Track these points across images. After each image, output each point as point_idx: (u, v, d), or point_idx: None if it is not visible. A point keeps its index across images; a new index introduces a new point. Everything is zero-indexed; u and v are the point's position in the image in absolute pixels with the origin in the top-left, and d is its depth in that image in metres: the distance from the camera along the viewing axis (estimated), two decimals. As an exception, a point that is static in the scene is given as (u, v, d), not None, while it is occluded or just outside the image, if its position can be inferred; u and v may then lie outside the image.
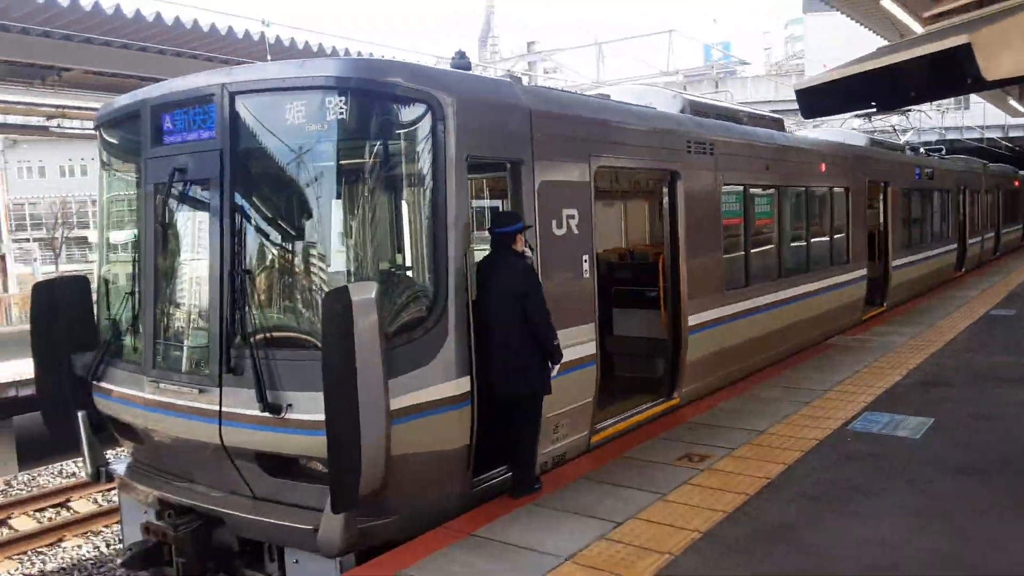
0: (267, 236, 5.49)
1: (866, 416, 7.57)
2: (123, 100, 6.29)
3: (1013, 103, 17.87)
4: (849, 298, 12.74)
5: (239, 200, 5.35)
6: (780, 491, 5.70)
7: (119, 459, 6.99)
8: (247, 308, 5.31)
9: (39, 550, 9.38)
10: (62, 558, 9.14)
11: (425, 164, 5.26)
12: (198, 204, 5.66)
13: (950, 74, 6.62)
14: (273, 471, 5.42)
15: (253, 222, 5.44)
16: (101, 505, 10.81)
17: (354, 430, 4.65)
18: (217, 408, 5.39)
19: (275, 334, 5.33)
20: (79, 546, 9.44)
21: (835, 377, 9.29)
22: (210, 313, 5.44)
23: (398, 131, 5.27)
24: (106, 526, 10.02)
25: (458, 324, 5.36)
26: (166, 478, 6.12)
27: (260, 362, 5.15)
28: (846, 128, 21.02)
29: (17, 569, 8.89)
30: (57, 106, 13.80)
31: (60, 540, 9.61)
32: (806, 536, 4.91)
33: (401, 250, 5.48)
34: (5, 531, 10.03)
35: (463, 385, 5.44)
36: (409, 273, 5.44)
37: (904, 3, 8.35)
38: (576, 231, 6.50)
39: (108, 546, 9.44)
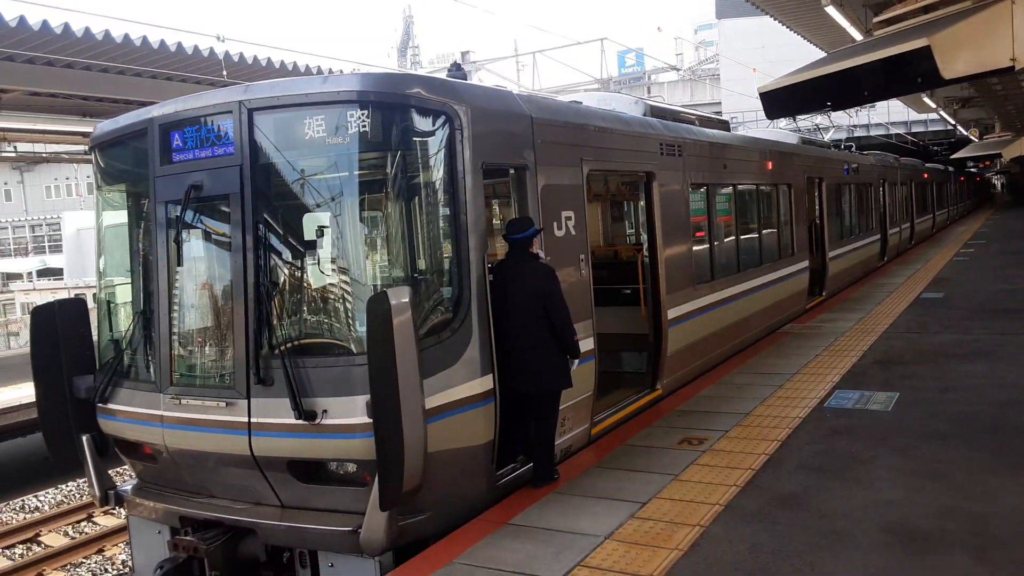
0: (291, 247, 5.61)
1: (837, 394, 8.13)
2: (122, 120, 6.29)
3: (926, 100, 19.13)
4: (796, 288, 13.48)
5: (262, 213, 5.46)
6: (782, 465, 6.13)
7: (124, 481, 6.91)
8: (274, 320, 5.44)
9: (19, 585, 9.12)
10: (48, 591, 8.92)
11: (445, 172, 5.50)
12: (216, 219, 5.73)
13: (902, 74, 7.25)
14: (304, 478, 5.53)
15: (276, 234, 5.56)
16: (74, 537, 10.54)
17: (398, 427, 4.83)
18: (246, 420, 5.47)
19: (304, 343, 5.46)
20: (63, 578, 9.22)
21: (798, 361, 9.87)
22: (235, 326, 5.51)
23: (419, 141, 5.48)
24: (85, 558, 9.79)
25: (480, 324, 5.60)
26: (183, 495, 6.12)
27: (292, 371, 5.26)
28: (772, 128, 22.06)
29: (3, 605, 8.64)
30: (-4, 129, 13.34)
31: (40, 575, 9.34)
32: (820, 502, 5.33)
33: (424, 256, 5.67)
34: (-24, 570, 9.68)
35: (487, 383, 5.68)
36: (433, 277, 5.64)
37: (848, 14, 9.00)
38: (573, 232, 6.82)
39: None
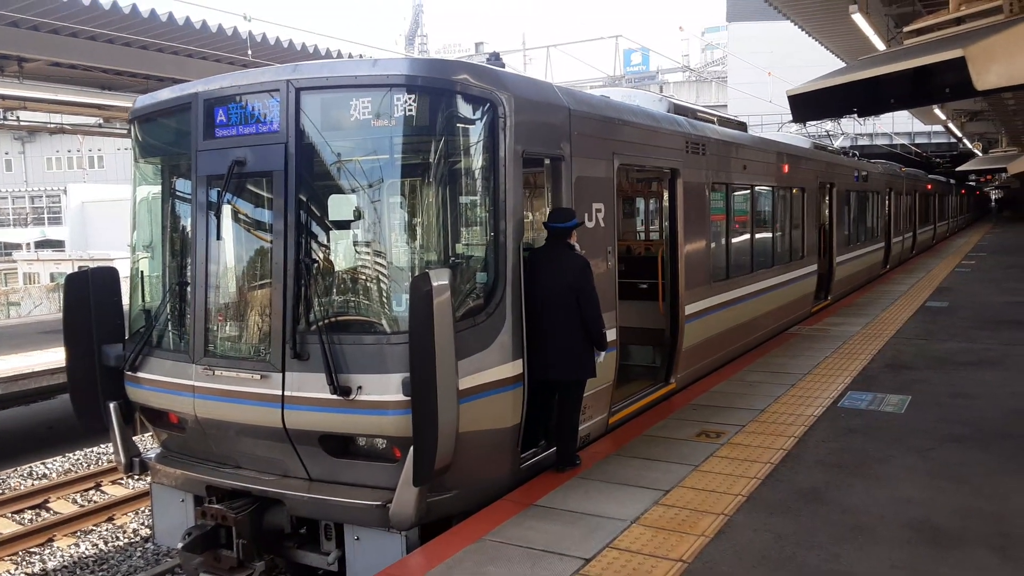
0: (333, 226, 5.70)
1: (850, 395, 8.26)
2: (164, 94, 6.35)
3: (937, 111, 19.26)
4: (805, 291, 13.62)
5: (305, 191, 5.53)
6: (800, 460, 6.25)
7: (149, 449, 7.00)
8: (312, 296, 5.52)
9: (31, 550, 9.20)
10: (61, 557, 8.99)
11: (486, 158, 5.58)
12: (257, 195, 5.81)
13: (932, 84, 7.34)
14: (334, 452, 5.62)
15: (318, 212, 5.65)
16: (82, 505, 10.62)
17: (434, 405, 4.92)
18: (279, 392, 5.56)
19: (341, 320, 5.55)
20: (75, 545, 9.30)
21: (809, 362, 10.00)
22: (273, 301, 5.59)
23: (463, 127, 5.57)
24: (95, 525, 9.88)
25: (514, 310, 5.70)
26: (209, 464, 6.21)
27: (328, 347, 5.35)
28: (782, 132, 22.18)
29: (17, 569, 8.71)
30: (17, 97, 13.35)
31: (51, 540, 9.43)
32: (841, 497, 5.46)
33: (462, 240, 5.77)
34: (-13, 533, 9.76)
35: (517, 367, 5.78)
36: (471, 262, 5.74)
37: (872, 22, 9.10)
38: (603, 224, 6.92)
39: (105, 543, 9.33)
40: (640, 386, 8.54)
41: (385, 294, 5.61)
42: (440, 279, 4.97)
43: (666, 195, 8.65)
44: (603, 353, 6.25)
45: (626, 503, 5.47)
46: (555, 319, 5.94)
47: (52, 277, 31.51)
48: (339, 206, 5.69)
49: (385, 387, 5.27)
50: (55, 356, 12.98)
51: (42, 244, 52.69)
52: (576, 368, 6.05)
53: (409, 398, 5.03)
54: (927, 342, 11.12)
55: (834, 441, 6.70)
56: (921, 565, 4.45)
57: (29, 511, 10.43)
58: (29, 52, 12.46)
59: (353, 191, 5.64)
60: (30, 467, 12.00)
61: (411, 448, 5.01)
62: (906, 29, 8.55)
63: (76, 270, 6.74)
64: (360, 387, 5.31)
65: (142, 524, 9.87)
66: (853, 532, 4.88)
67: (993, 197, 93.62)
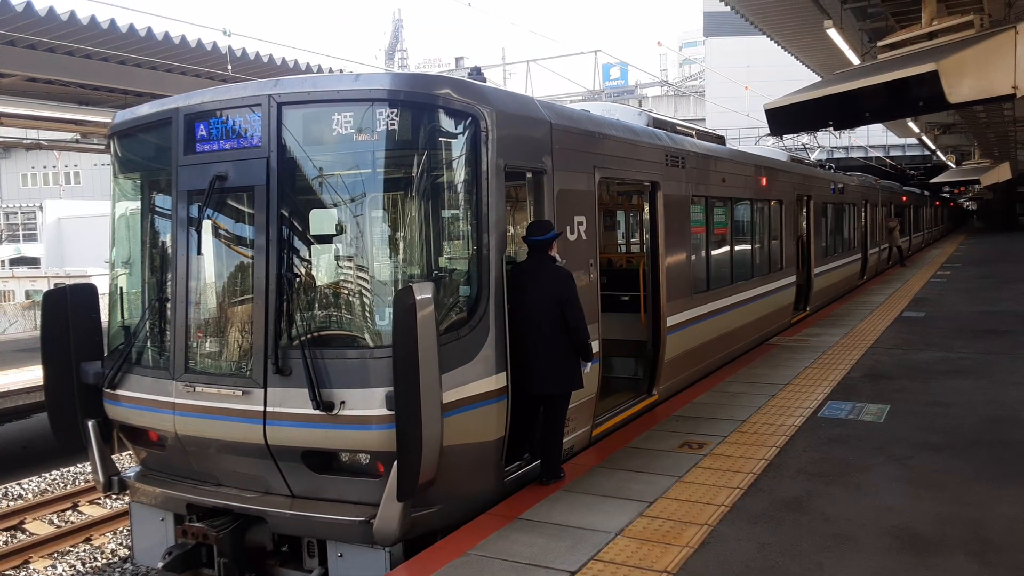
0: (315, 240, 5.69)
1: (830, 405, 8.34)
2: (145, 109, 6.34)
3: (910, 124, 19.57)
4: (784, 302, 13.75)
5: (286, 206, 5.53)
6: (782, 470, 6.30)
7: (128, 467, 6.92)
8: (295, 311, 5.51)
9: (6, 573, 9.03)
10: (37, 579, 8.85)
11: (469, 173, 5.62)
12: (239, 210, 5.79)
13: (906, 97, 7.49)
14: (317, 468, 5.59)
15: (300, 227, 5.64)
16: (59, 526, 10.44)
17: (418, 419, 4.91)
18: (261, 408, 5.53)
19: (324, 335, 5.54)
20: (52, 566, 9.14)
21: (789, 373, 10.09)
22: (255, 316, 5.57)
23: (445, 141, 5.60)
24: (72, 546, 9.72)
25: (497, 323, 5.72)
26: (189, 482, 6.16)
27: (311, 362, 5.34)
28: (759, 146, 22.43)
29: (-8, 591, 8.57)
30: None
31: (27, 562, 9.26)
32: (823, 506, 5.51)
33: (445, 254, 5.79)
34: (-39, 556, 9.57)
35: (501, 380, 5.79)
36: (454, 275, 5.75)
37: (847, 38, 9.26)
38: (584, 237, 6.97)
39: (83, 564, 9.19)
40: (623, 398, 8.57)
41: (368, 308, 5.61)
42: (423, 293, 4.97)
43: (647, 208, 8.72)
44: (589, 364, 6.28)
45: (611, 515, 5.48)
46: (540, 332, 5.96)
47: (28, 294, 31.08)
48: (321, 221, 5.68)
49: (368, 402, 5.26)
50: (32, 375, 12.83)
51: (17, 261, 51.92)
52: (563, 380, 6.08)
53: (393, 412, 5.02)
54: (904, 352, 11.25)
55: (815, 451, 6.76)
56: (902, 573, 4.49)
57: (4, 533, 10.24)
58: (5, 67, 12.34)
59: (335, 205, 5.64)
60: (5, 488, 11.79)
61: (395, 463, 4.99)
62: (880, 44, 8.73)
63: (53, 287, 6.65)
64: (343, 402, 5.30)
65: (121, 544, 9.73)
66: (835, 540, 4.92)
67: (965, 207, 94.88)
